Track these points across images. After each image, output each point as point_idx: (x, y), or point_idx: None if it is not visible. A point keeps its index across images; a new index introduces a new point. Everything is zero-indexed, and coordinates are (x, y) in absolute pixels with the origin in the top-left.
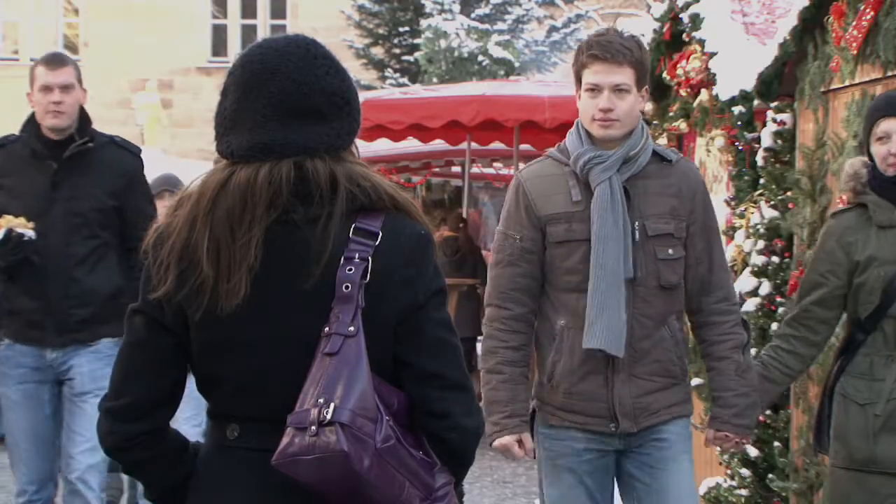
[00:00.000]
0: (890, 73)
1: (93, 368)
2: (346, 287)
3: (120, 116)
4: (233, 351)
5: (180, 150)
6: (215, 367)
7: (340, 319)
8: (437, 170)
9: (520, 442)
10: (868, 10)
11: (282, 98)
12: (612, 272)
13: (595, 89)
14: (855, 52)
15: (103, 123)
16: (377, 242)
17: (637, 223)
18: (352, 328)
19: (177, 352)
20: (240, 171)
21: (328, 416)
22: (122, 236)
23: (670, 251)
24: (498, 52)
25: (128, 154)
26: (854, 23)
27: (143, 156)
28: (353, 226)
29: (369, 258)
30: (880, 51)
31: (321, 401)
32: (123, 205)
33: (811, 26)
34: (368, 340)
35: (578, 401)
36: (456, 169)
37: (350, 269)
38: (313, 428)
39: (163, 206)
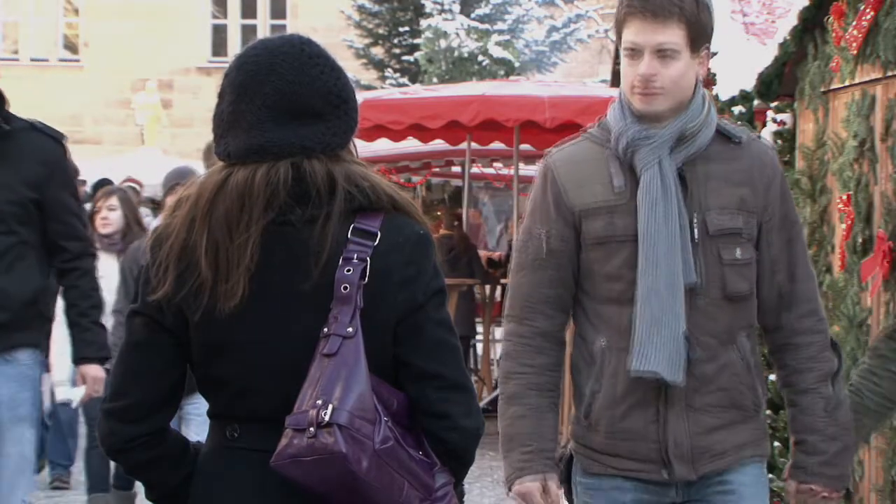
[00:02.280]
0: (890, 73)
1: (11, 392)
2: (345, 288)
3: (120, 116)
4: (232, 352)
5: (180, 150)
6: (215, 368)
7: (339, 320)
8: (437, 170)
9: (545, 487)
10: (868, 10)
11: (277, 98)
12: (667, 276)
13: (634, 51)
14: (855, 52)
15: (103, 123)
16: (376, 243)
17: (696, 217)
18: (350, 329)
19: (176, 353)
20: (237, 172)
21: (326, 418)
22: (43, 233)
23: (738, 252)
24: (498, 52)
25: (49, 140)
26: (854, 23)
27: (142, 155)
28: (352, 226)
29: (368, 258)
30: (880, 51)
31: (319, 402)
32: (43, 197)
33: (811, 26)
34: (368, 341)
35: (622, 441)
36: (456, 169)
37: (349, 270)
38: (311, 429)
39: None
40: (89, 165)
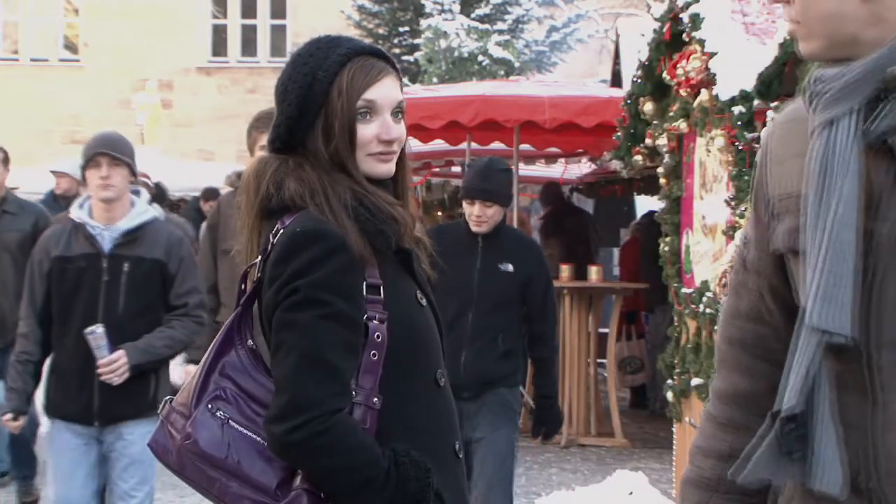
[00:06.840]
0: None
1: None
2: (242, 287)
3: (120, 116)
4: None
5: (180, 150)
6: None
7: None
8: (437, 170)
9: None
10: None
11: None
12: (815, 326)
13: None
14: None
15: (103, 123)
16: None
17: None
18: (224, 328)
19: None
20: None
21: (160, 411)
22: None
23: None
24: (498, 52)
25: None
26: None
27: (142, 155)
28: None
29: (261, 258)
30: None
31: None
32: None
33: None
34: (267, 340)
35: None
36: (456, 169)
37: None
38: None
39: (97, 177)
40: None
